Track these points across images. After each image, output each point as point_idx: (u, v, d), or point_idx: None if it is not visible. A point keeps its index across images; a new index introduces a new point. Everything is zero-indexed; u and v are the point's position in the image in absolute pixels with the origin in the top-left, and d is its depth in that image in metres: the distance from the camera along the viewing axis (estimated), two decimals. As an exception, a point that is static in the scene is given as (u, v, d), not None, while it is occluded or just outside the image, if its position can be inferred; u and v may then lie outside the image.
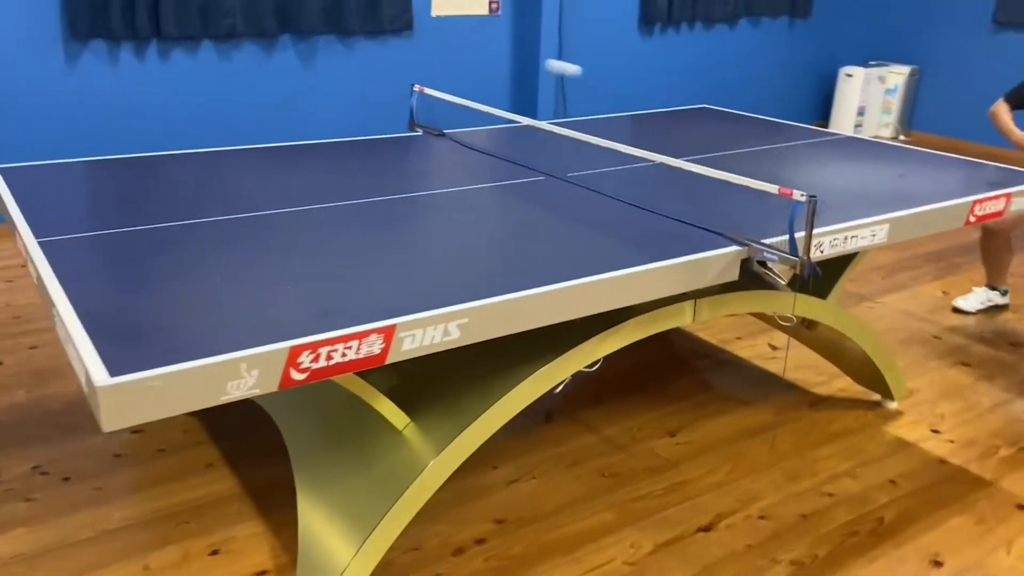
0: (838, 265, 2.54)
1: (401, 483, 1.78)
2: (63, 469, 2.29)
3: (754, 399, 2.77)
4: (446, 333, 1.51)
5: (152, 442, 2.43)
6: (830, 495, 2.28)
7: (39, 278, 1.64)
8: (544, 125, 2.74)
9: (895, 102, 6.68)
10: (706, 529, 2.13)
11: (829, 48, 6.78)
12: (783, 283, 1.82)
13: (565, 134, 2.51)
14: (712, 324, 3.31)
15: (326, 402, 2.11)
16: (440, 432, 1.84)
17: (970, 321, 3.42)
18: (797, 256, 1.78)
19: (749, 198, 2.19)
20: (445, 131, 2.98)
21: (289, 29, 4.45)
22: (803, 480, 2.34)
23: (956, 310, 3.53)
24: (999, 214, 2.36)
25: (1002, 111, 3.23)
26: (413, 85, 3.07)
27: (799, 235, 1.77)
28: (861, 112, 6.62)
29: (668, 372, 2.94)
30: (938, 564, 2.03)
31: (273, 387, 1.36)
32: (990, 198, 2.30)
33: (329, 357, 1.40)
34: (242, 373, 1.33)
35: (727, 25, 6.22)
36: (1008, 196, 2.35)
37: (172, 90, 4.24)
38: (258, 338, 1.36)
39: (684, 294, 2.02)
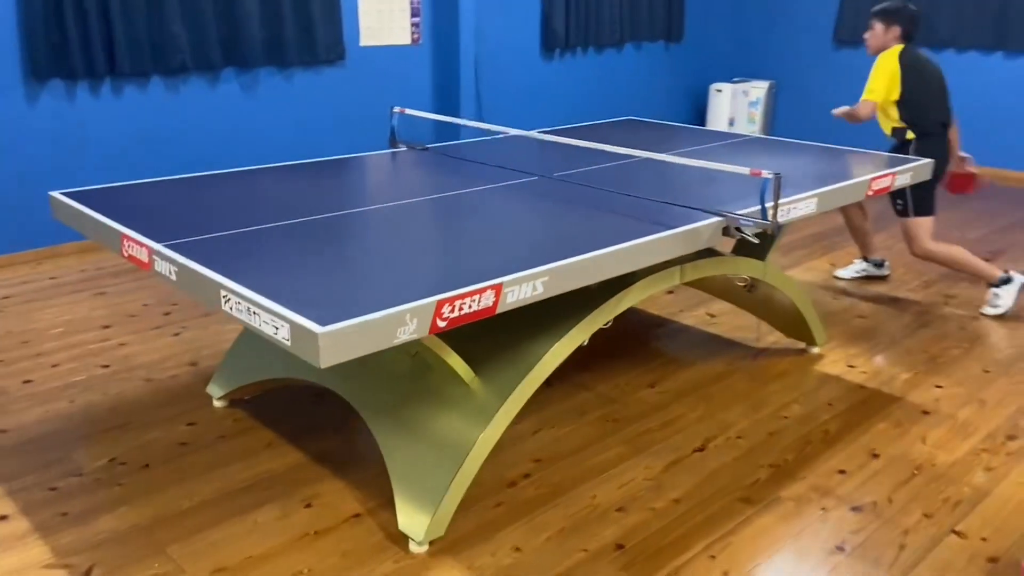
0: (767, 242, 3.14)
1: (479, 423, 2.18)
2: (138, 459, 2.52)
3: (707, 355, 3.33)
4: (534, 288, 1.95)
5: (209, 431, 2.69)
6: (785, 417, 2.86)
7: (181, 275, 1.94)
8: (526, 133, 3.22)
9: (758, 113, 7.59)
10: (700, 450, 2.65)
11: (700, 67, 7.63)
12: (757, 242, 2.38)
13: (546, 140, 3.00)
14: (657, 300, 3.87)
15: (386, 373, 2.47)
16: (503, 382, 2.25)
17: (853, 286, 4.15)
18: (768, 220, 2.33)
19: (712, 183, 2.75)
20: (428, 146, 3.40)
21: (233, 63, 4.71)
22: (763, 409, 2.91)
23: (836, 278, 4.27)
24: (887, 189, 3.05)
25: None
26: (393, 107, 3.46)
27: (769, 205, 2.33)
28: (731, 122, 7.48)
29: (635, 340, 3.47)
30: (875, 456, 2.63)
31: (424, 332, 1.75)
32: (882, 176, 2.97)
33: (460, 308, 1.80)
34: (407, 321, 1.71)
35: (615, 49, 6.92)
36: (893, 175, 3.03)
37: (127, 122, 4.40)
38: (412, 297, 1.75)
39: (669, 262, 2.55)
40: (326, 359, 1.59)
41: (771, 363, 3.28)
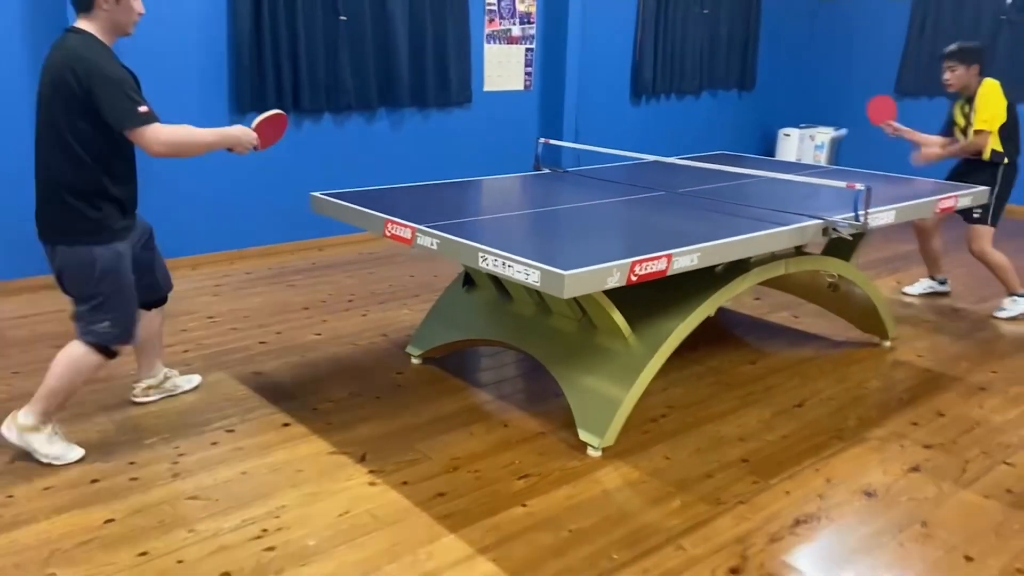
0: (851, 246, 3.86)
1: (639, 366, 2.93)
2: (371, 393, 3.32)
3: (795, 344, 4.04)
4: (691, 260, 2.71)
5: (416, 378, 3.48)
6: (866, 388, 3.54)
7: (442, 246, 2.75)
8: (657, 159, 4.01)
9: (823, 156, 8.31)
10: (798, 406, 3.35)
11: (770, 113, 8.40)
12: (851, 239, 3.11)
13: (676, 163, 3.78)
14: (747, 304, 4.59)
15: (559, 333, 3.23)
16: (653, 339, 3.00)
17: (919, 300, 4.82)
18: (860, 222, 3.07)
19: (811, 198, 3.49)
20: (568, 169, 4.21)
21: (385, 104, 5.63)
22: (847, 382, 3.60)
23: (904, 294, 4.93)
24: (951, 209, 3.75)
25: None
26: (539, 138, 4.29)
27: (861, 212, 3.06)
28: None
29: (732, 333, 4.19)
30: (942, 415, 3.30)
31: (624, 282, 2.52)
32: (946, 198, 3.69)
33: (645, 268, 2.57)
34: (613, 273, 2.49)
35: (693, 96, 7.74)
36: (956, 197, 3.74)
37: (306, 148, 5.32)
38: (615, 258, 2.52)
39: (775, 256, 3.29)
40: (568, 292, 2.37)
41: (850, 351, 3.97)
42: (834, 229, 3.12)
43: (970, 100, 4.37)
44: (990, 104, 4.25)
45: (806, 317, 4.41)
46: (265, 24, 4.97)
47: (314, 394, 3.32)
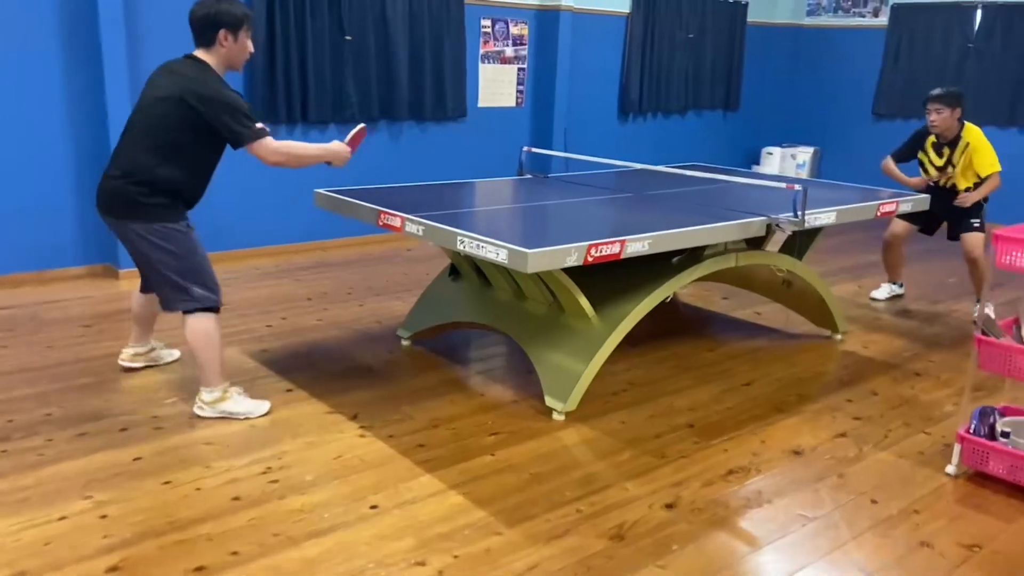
0: (805, 244, 4.26)
1: (599, 342, 3.32)
2: (365, 365, 3.72)
3: (754, 335, 4.43)
4: (643, 246, 3.11)
5: (405, 356, 3.88)
6: (812, 372, 3.93)
7: (426, 232, 3.16)
8: (623, 163, 4.44)
9: (804, 173, 8.73)
10: (747, 384, 3.74)
11: (753, 132, 8.84)
12: (789, 233, 3.52)
13: (637, 170, 4.19)
14: (716, 303, 4.98)
15: (531, 315, 3.63)
16: (613, 319, 3.40)
17: (880, 304, 5.21)
18: (797, 218, 3.47)
19: (763, 201, 3.90)
20: (548, 175, 4.63)
21: (386, 116, 6.08)
22: (795, 367, 3.99)
23: (872, 299, 5.30)
24: (892, 212, 4.16)
25: (891, 164, 5.07)
26: (523, 147, 4.72)
27: (800, 211, 3.47)
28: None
29: (698, 326, 4.59)
30: (875, 394, 3.68)
31: (581, 262, 2.92)
32: (887, 202, 4.10)
33: (600, 251, 2.98)
34: (571, 253, 2.89)
35: (679, 115, 8.18)
36: (896, 202, 4.15)
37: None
38: (574, 241, 2.93)
39: (729, 250, 3.70)
40: (531, 268, 2.78)
41: (803, 343, 4.36)
42: (777, 225, 3.53)
43: (951, 143, 4.73)
44: (985, 148, 4.64)
45: (768, 314, 4.81)
46: (277, 42, 5.43)
47: (313, 367, 3.73)
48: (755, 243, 3.99)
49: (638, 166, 4.67)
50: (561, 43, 6.89)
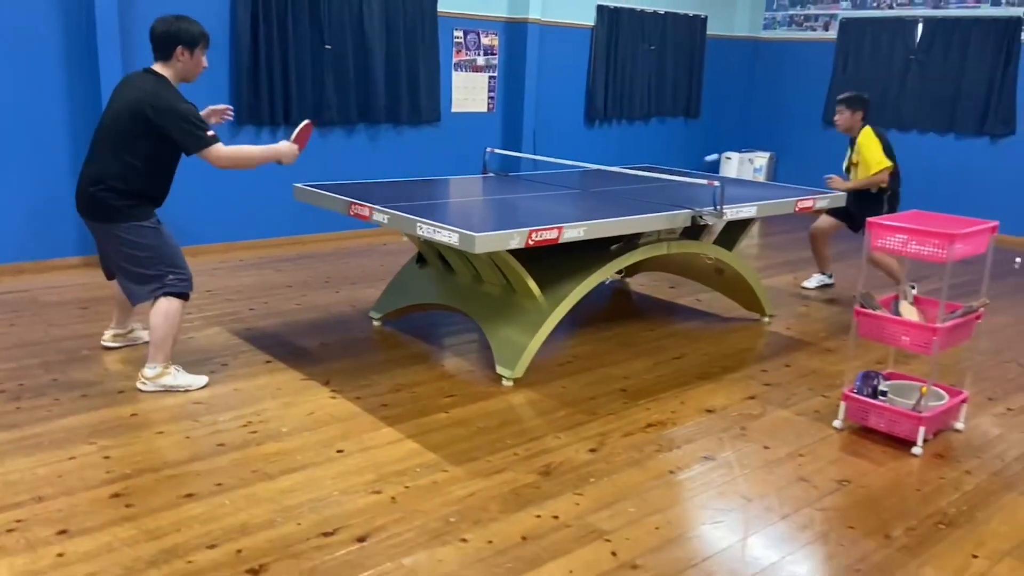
0: (736, 236, 4.75)
1: (544, 317, 3.79)
2: (339, 343, 4.17)
3: (690, 319, 4.91)
4: (579, 232, 3.58)
5: (376, 335, 4.33)
6: (737, 347, 4.41)
7: (391, 220, 3.61)
8: (577, 164, 4.91)
9: (761, 177, 9.25)
10: (678, 358, 4.22)
11: (713, 138, 9.35)
12: (710, 223, 4.00)
13: (588, 170, 4.67)
14: (665, 291, 5.46)
15: (486, 296, 4.08)
16: (557, 298, 3.86)
17: (810, 292, 5.70)
18: (716, 211, 3.95)
19: (698, 198, 4.39)
20: (509, 173, 5.10)
21: (364, 120, 6.54)
22: (723, 344, 4.47)
23: (803, 288, 5.81)
24: (810, 208, 4.65)
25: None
26: (487, 148, 5.19)
27: (719, 206, 3.96)
28: (739, 184, 9.14)
29: (642, 313, 5.07)
30: (788, 366, 4.16)
31: (522, 245, 3.38)
32: (804, 199, 4.59)
33: (540, 235, 3.44)
34: (514, 237, 3.36)
35: (643, 122, 8.69)
36: (814, 199, 4.65)
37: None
38: (517, 227, 3.40)
39: (661, 237, 4.18)
40: (479, 248, 3.24)
41: (734, 325, 4.85)
42: (700, 216, 4.01)
43: (853, 141, 5.31)
44: (872, 148, 5.17)
45: (708, 301, 5.29)
46: (261, 51, 5.88)
47: (291, 343, 4.18)
48: (694, 235, 4.49)
49: (591, 166, 5.15)
50: (529, 53, 7.37)
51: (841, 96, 5.36)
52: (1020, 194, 7.62)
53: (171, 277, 3.51)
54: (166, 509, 2.63)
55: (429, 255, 4.37)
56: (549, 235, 3.48)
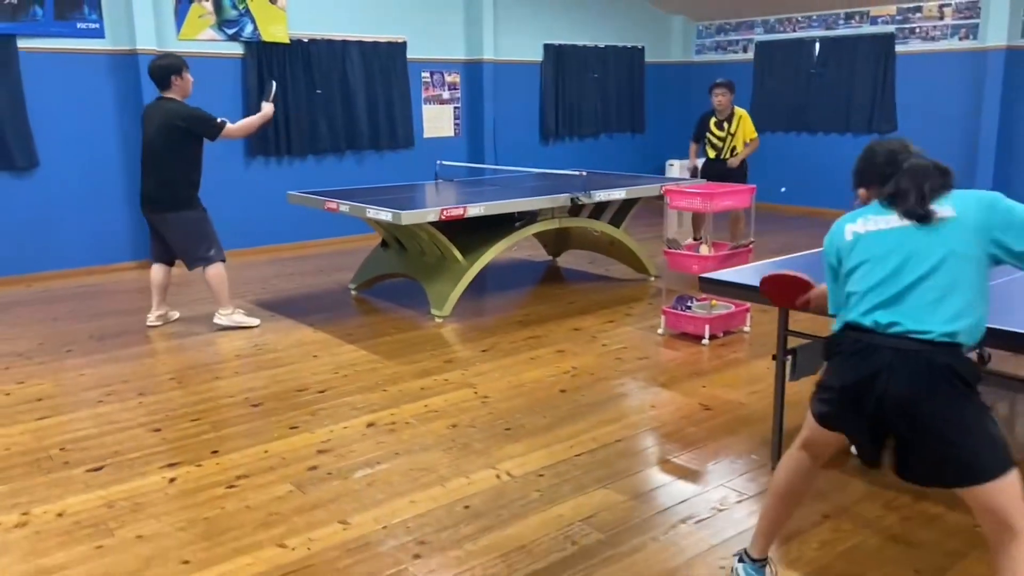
0: (622, 216, 6.28)
1: (463, 272, 5.36)
2: (323, 306, 5.77)
3: (594, 280, 6.44)
4: (480, 210, 5.16)
5: (356, 302, 5.92)
6: (620, 296, 5.93)
7: (351, 209, 5.23)
8: (517, 169, 6.52)
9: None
10: (572, 303, 5.75)
11: (657, 148, 10.90)
12: (586, 202, 5.57)
13: (517, 171, 6.27)
14: (581, 263, 7.00)
15: (426, 263, 5.65)
16: (474, 259, 5.43)
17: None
18: (585, 193, 5.51)
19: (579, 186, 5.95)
20: (454, 179, 6.72)
21: (351, 147, 8.21)
22: (611, 294, 6.00)
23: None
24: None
25: (692, 146, 7.12)
26: (438, 160, 6.80)
27: (587, 190, 5.52)
28: (682, 187, 10.65)
29: (561, 276, 6.62)
30: (649, 304, 5.68)
31: (437, 219, 4.97)
32: (667, 185, 6.12)
33: (449, 212, 5.02)
34: (429, 214, 4.94)
35: (593, 138, 10.28)
36: (677, 185, 6.18)
37: (294, 180, 7.86)
38: (434, 206, 4.99)
39: (555, 214, 5.75)
40: (404, 221, 4.83)
41: (625, 284, 6.38)
42: (575, 197, 5.57)
43: (728, 119, 6.84)
44: (749, 120, 6.79)
45: (613, 270, 6.82)
46: (267, 98, 7.58)
47: (290, 306, 5.80)
48: (596, 215, 6.05)
49: (520, 170, 6.75)
50: (486, 87, 9.02)
51: (719, 81, 6.81)
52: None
53: (213, 251, 5.15)
54: (204, 382, 4.23)
55: (389, 239, 5.96)
56: (456, 212, 5.06)
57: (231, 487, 3.11)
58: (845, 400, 2.09)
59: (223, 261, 5.20)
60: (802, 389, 3.08)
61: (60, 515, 2.92)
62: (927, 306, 1.99)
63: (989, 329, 2.12)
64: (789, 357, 3.19)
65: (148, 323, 5.45)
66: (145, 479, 3.18)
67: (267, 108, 5.32)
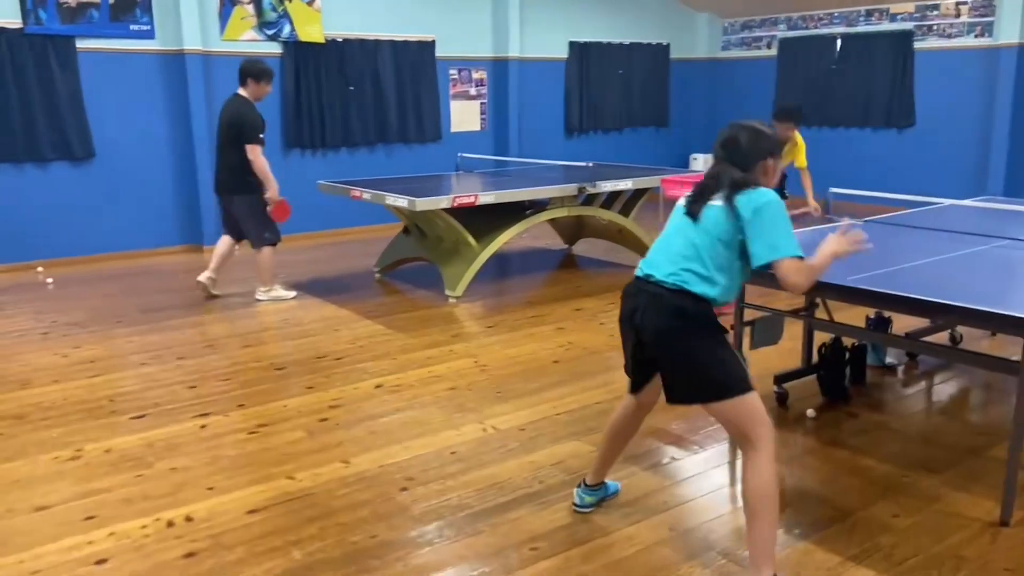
0: (632, 205, 6.63)
1: (476, 255, 5.78)
2: (351, 285, 6.24)
3: (607, 267, 6.81)
4: (491, 198, 5.57)
5: (380, 284, 6.39)
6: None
7: (373, 196, 5.68)
8: (534, 161, 6.92)
9: (726, 174, 10.99)
10: (578, 287, 6.13)
11: (681, 143, 11.18)
12: (589, 192, 5.93)
13: (531, 163, 6.66)
14: (595, 253, 7.36)
15: (444, 247, 6.08)
16: (487, 244, 5.84)
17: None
18: (591, 183, 5.88)
19: (579, 175, 6.31)
20: (474, 171, 7.13)
21: (381, 140, 8.69)
22: (621, 280, 6.35)
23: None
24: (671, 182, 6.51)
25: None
26: (458, 153, 7.23)
27: (594, 181, 5.88)
28: (705, 180, 10.92)
29: (570, 262, 7.00)
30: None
31: (449, 206, 5.39)
32: (666, 176, 6.45)
33: (461, 200, 5.44)
34: (443, 201, 5.37)
35: (617, 132, 10.60)
36: (676, 177, 6.51)
37: (330, 171, 8.37)
38: (448, 194, 5.42)
39: (564, 203, 6.13)
40: (419, 207, 5.27)
41: (631, 269, 6.69)
42: (583, 187, 5.94)
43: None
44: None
45: (623, 257, 7.17)
46: (302, 93, 8.09)
47: (318, 287, 6.29)
48: (607, 205, 6.42)
49: (535, 162, 7.14)
50: (511, 83, 9.42)
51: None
52: (919, 169, 9.22)
53: (267, 234, 5.68)
54: (236, 349, 4.72)
55: (410, 226, 6.41)
56: (467, 199, 5.48)
57: (252, 433, 3.59)
58: (622, 330, 2.69)
59: (274, 244, 5.73)
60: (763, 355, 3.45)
61: (107, 451, 3.42)
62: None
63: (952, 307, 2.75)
64: (747, 328, 3.54)
65: (198, 279, 5.93)
66: (180, 425, 3.67)
67: (273, 188, 5.61)
